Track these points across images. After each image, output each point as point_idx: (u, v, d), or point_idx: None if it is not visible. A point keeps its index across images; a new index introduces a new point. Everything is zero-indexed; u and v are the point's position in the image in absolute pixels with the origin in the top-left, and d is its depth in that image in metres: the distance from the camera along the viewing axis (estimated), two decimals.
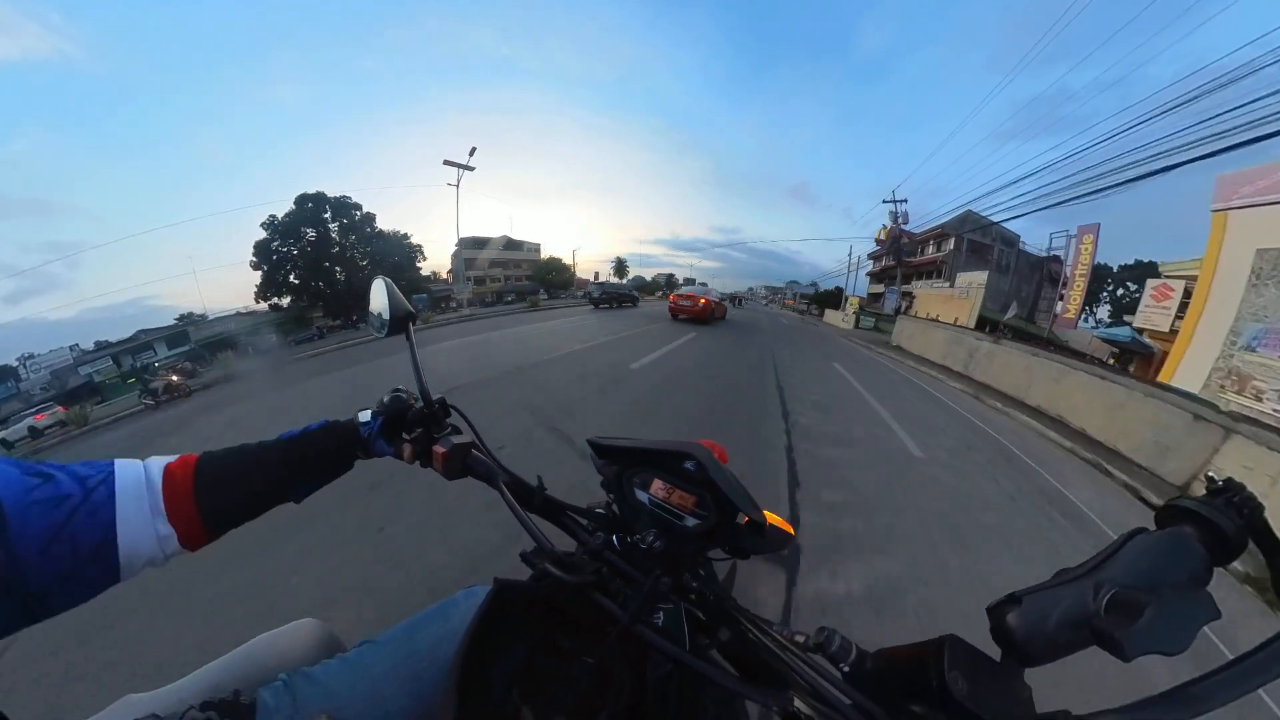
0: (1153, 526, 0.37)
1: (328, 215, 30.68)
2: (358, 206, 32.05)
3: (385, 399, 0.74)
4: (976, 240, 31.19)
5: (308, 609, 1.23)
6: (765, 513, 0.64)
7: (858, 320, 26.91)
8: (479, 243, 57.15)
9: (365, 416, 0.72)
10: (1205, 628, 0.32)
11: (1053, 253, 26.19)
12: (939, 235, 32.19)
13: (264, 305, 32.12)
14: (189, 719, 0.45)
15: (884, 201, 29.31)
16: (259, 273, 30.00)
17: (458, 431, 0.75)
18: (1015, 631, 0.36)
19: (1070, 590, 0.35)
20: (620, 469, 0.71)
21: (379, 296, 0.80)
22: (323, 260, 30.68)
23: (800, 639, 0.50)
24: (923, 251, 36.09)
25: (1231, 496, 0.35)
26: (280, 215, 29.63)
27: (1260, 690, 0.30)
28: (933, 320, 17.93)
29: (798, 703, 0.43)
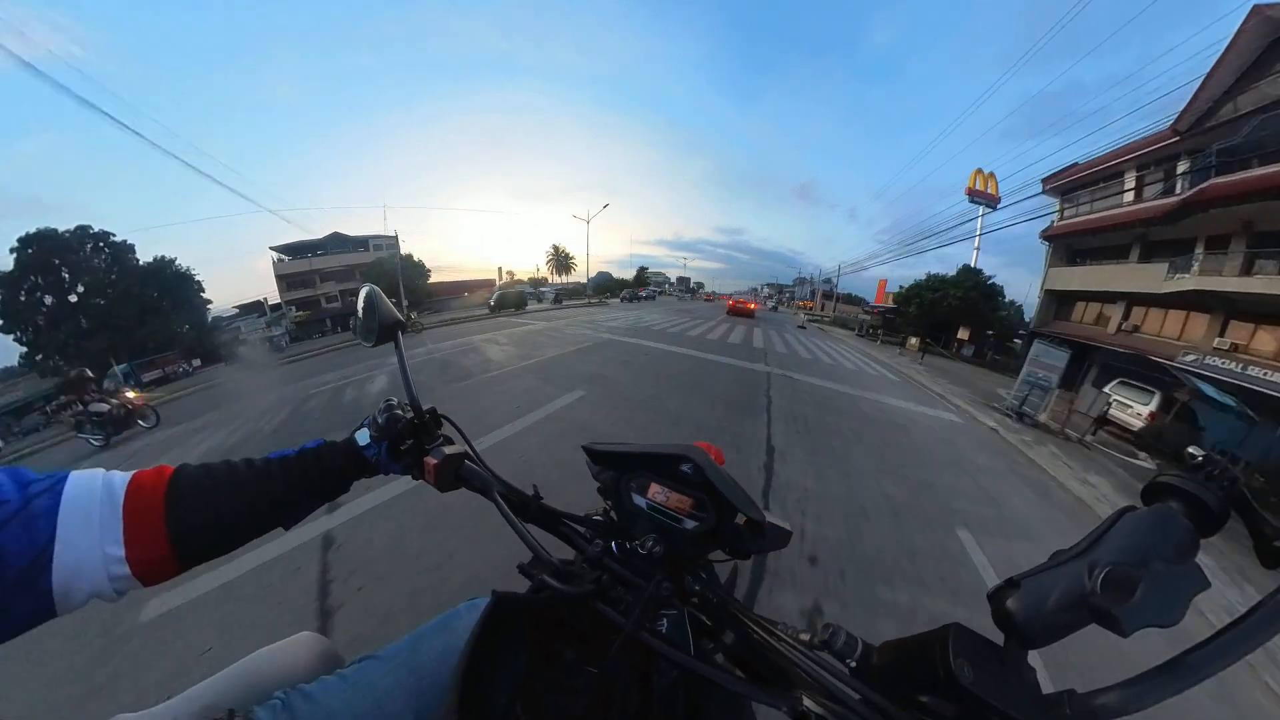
0: (1140, 504, 0.39)
1: (79, 255, 24.14)
2: (103, 237, 24.78)
3: (380, 418, 0.70)
4: None
5: None
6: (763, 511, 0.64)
7: None
8: (305, 249, 37.75)
9: (364, 439, 0.69)
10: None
11: None
12: None
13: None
14: None
15: None
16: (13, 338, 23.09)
17: (449, 442, 0.74)
18: (1016, 615, 0.37)
19: (1066, 571, 0.36)
20: (617, 474, 0.70)
21: (367, 305, 0.78)
22: (63, 314, 23.71)
23: (805, 637, 0.50)
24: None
25: (1212, 471, 0.36)
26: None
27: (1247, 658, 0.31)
28: None
29: (807, 702, 0.43)
